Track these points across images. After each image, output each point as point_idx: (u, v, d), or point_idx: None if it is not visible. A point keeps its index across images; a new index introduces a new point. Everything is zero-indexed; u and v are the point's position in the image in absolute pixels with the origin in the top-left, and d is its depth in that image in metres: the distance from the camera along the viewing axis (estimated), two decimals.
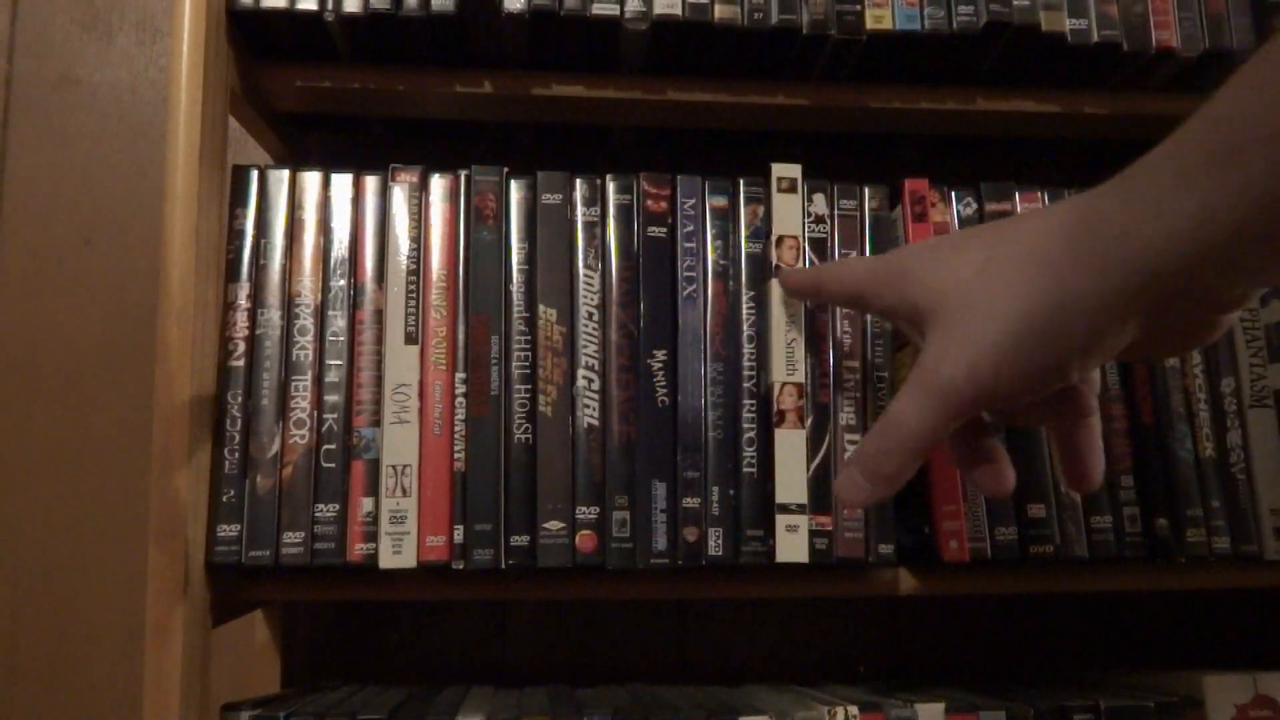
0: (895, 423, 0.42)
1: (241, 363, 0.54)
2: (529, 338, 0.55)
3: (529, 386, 0.55)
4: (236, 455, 0.53)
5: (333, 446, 0.53)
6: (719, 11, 0.57)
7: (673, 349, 0.56)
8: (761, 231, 0.58)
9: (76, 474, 0.74)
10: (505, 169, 0.57)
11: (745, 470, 0.55)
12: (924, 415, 0.41)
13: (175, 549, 0.49)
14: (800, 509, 0.54)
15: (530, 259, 0.56)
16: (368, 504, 0.53)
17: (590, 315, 0.56)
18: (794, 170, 0.58)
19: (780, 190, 0.58)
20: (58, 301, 0.75)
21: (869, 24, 0.58)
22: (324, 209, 0.56)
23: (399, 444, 0.53)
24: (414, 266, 0.56)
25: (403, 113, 0.65)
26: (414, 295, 0.55)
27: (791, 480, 0.54)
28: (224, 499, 0.52)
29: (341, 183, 0.57)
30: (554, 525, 0.53)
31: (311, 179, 0.56)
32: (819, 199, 0.58)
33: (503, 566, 0.53)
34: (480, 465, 0.54)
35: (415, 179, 0.57)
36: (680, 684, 0.69)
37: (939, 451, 0.55)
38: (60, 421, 0.74)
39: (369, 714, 0.51)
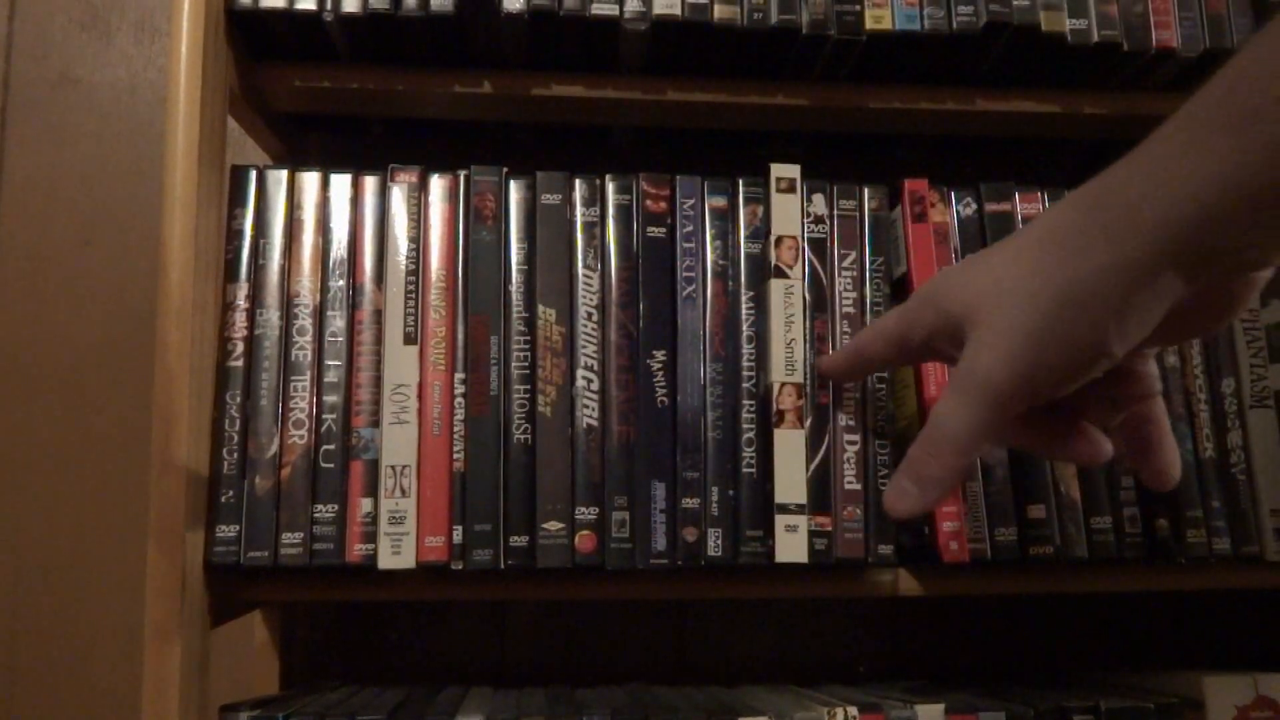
0: (939, 425, 0.42)
1: (240, 363, 0.54)
2: (528, 338, 0.55)
3: (528, 387, 0.55)
4: (235, 455, 0.53)
5: (332, 447, 0.53)
6: (719, 11, 0.57)
7: (672, 349, 0.56)
8: (761, 232, 0.58)
9: (76, 474, 0.74)
10: (505, 169, 0.57)
11: (745, 470, 0.55)
12: (967, 415, 0.41)
13: (174, 549, 0.49)
14: (800, 509, 0.54)
15: (530, 259, 0.56)
16: (367, 504, 0.53)
17: (590, 315, 0.56)
18: (793, 170, 0.58)
19: (779, 190, 0.58)
20: (57, 301, 0.75)
21: (868, 24, 0.58)
22: (323, 209, 0.56)
23: (398, 444, 0.53)
24: (413, 267, 0.56)
25: (402, 113, 0.65)
26: (413, 295, 0.55)
27: (791, 480, 0.54)
28: (223, 499, 0.52)
29: (340, 183, 0.56)
30: (553, 525, 0.53)
31: (310, 179, 0.56)
32: (818, 199, 0.58)
33: (502, 567, 0.53)
34: (479, 465, 0.54)
35: (414, 179, 0.57)
36: (679, 684, 0.69)
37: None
38: (59, 421, 0.74)
39: (368, 714, 0.51)
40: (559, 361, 0.55)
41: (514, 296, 0.56)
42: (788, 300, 0.56)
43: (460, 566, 0.53)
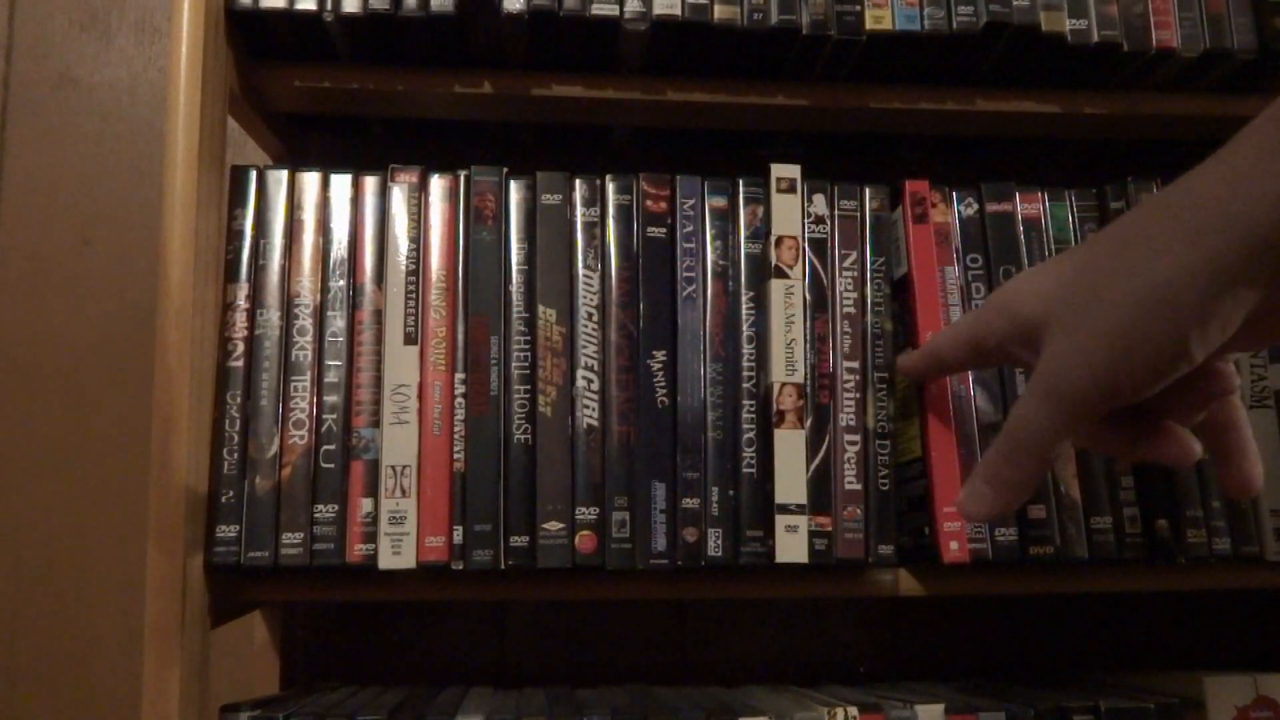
0: (1019, 429, 0.42)
1: (240, 363, 0.54)
2: (528, 338, 0.55)
3: (528, 387, 0.55)
4: (235, 456, 0.53)
5: (332, 447, 0.53)
6: (719, 12, 0.57)
7: (672, 349, 0.56)
8: (761, 232, 0.58)
9: (76, 474, 0.74)
10: (505, 169, 0.57)
11: (745, 471, 0.55)
12: (1046, 419, 0.40)
13: (174, 550, 0.49)
14: (800, 509, 0.54)
15: (530, 259, 0.56)
16: (367, 504, 0.53)
17: (590, 316, 0.56)
18: (793, 170, 0.58)
19: (779, 191, 0.57)
20: (57, 301, 0.75)
21: (869, 24, 0.58)
22: (323, 209, 0.56)
23: (398, 444, 0.53)
24: (413, 267, 0.56)
25: (402, 113, 0.65)
26: (413, 296, 0.55)
27: (791, 481, 0.54)
28: (223, 499, 0.52)
29: (340, 183, 0.56)
30: (553, 526, 0.53)
31: (310, 179, 0.56)
32: (819, 199, 0.58)
33: (502, 567, 0.53)
34: (480, 466, 0.54)
35: (414, 179, 0.57)
36: (679, 684, 0.69)
37: (939, 453, 0.55)
38: (59, 422, 0.74)
39: (368, 715, 0.51)
40: (559, 362, 0.55)
41: (514, 297, 0.56)
42: (788, 300, 0.56)
43: (460, 566, 0.53)
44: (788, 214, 0.57)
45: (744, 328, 0.57)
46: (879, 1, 0.58)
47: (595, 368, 0.55)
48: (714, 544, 0.54)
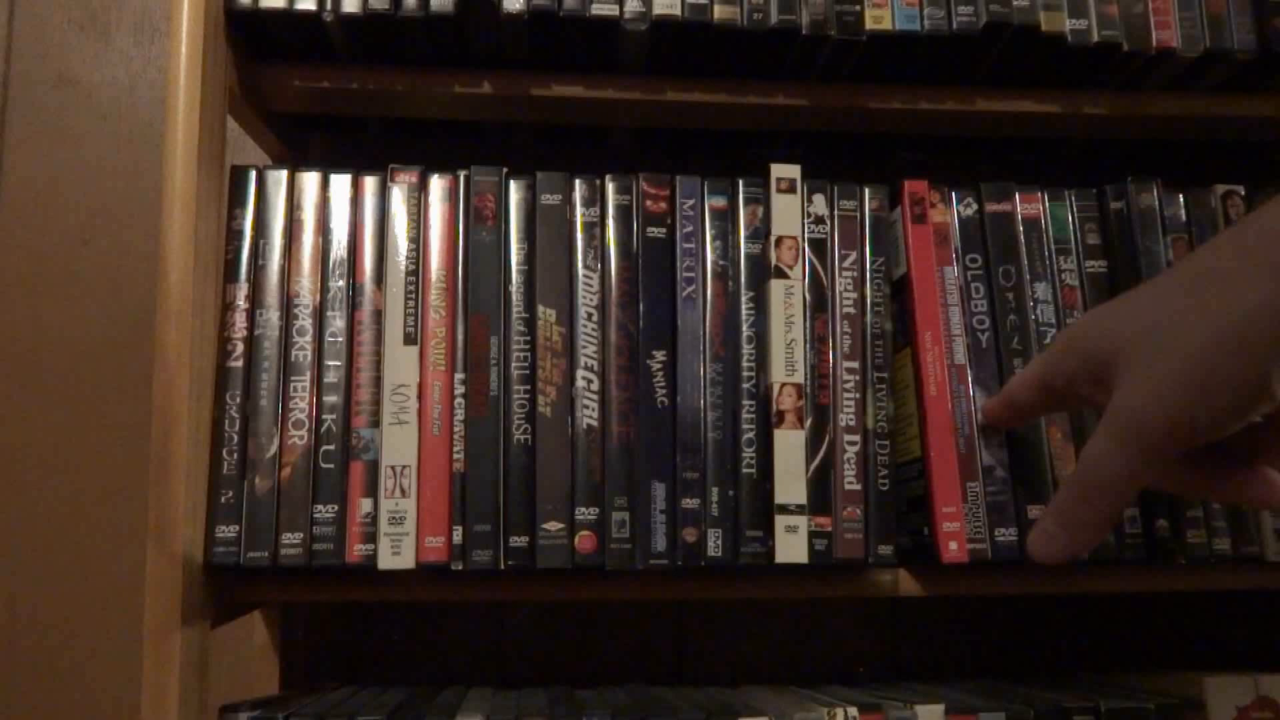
0: (1092, 470, 0.41)
1: (240, 363, 0.54)
2: (528, 338, 0.55)
3: (528, 387, 0.55)
4: (235, 456, 0.53)
5: (331, 447, 0.53)
6: (718, 12, 0.57)
7: (672, 349, 0.56)
8: (761, 232, 0.57)
9: (74, 474, 0.74)
10: (504, 169, 0.57)
11: (744, 471, 0.55)
12: (1120, 460, 0.40)
13: (173, 550, 0.49)
14: (800, 509, 0.54)
15: (529, 259, 0.56)
16: (366, 505, 0.53)
17: (590, 316, 0.56)
18: (793, 171, 0.58)
19: (779, 191, 0.57)
20: (55, 301, 0.75)
21: (868, 24, 0.58)
22: (323, 209, 0.56)
23: (398, 445, 0.53)
24: (413, 267, 0.56)
25: (402, 113, 0.65)
26: (413, 296, 0.55)
27: (791, 481, 0.54)
28: (222, 500, 0.52)
29: (340, 183, 0.56)
30: (553, 526, 0.53)
31: (310, 179, 0.56)
32: (818, 199, 0.58)
33: (502, 567, 0.53)
34: (479, 466, 0.54)
35: (414, 179, 0.57)
36: (679, 685, 0.69)
37: (938, 453, 0.55)
38: (58, 422, 0.74)
39: (368, 715, 0.51)
40: (559, 362, 0.55)
41: (514, 297, 0.56)
42: (788, 301, 0.56)
43: (460, 567, 0.53)
44: (788, 214, 0.57)
45: (744, 328, 0.57)
46: (879, 1, 0.58)
47: (595, 368, 0.55)
48: (714, 544, 0.54)
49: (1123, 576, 0.59)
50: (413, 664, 0.72)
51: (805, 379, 0.55)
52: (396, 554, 0.52)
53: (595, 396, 0.55)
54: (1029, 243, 0.59)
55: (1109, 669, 0.75)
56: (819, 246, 0.58)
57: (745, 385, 0.56)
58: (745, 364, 0.56)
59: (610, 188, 0.57)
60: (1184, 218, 0.60)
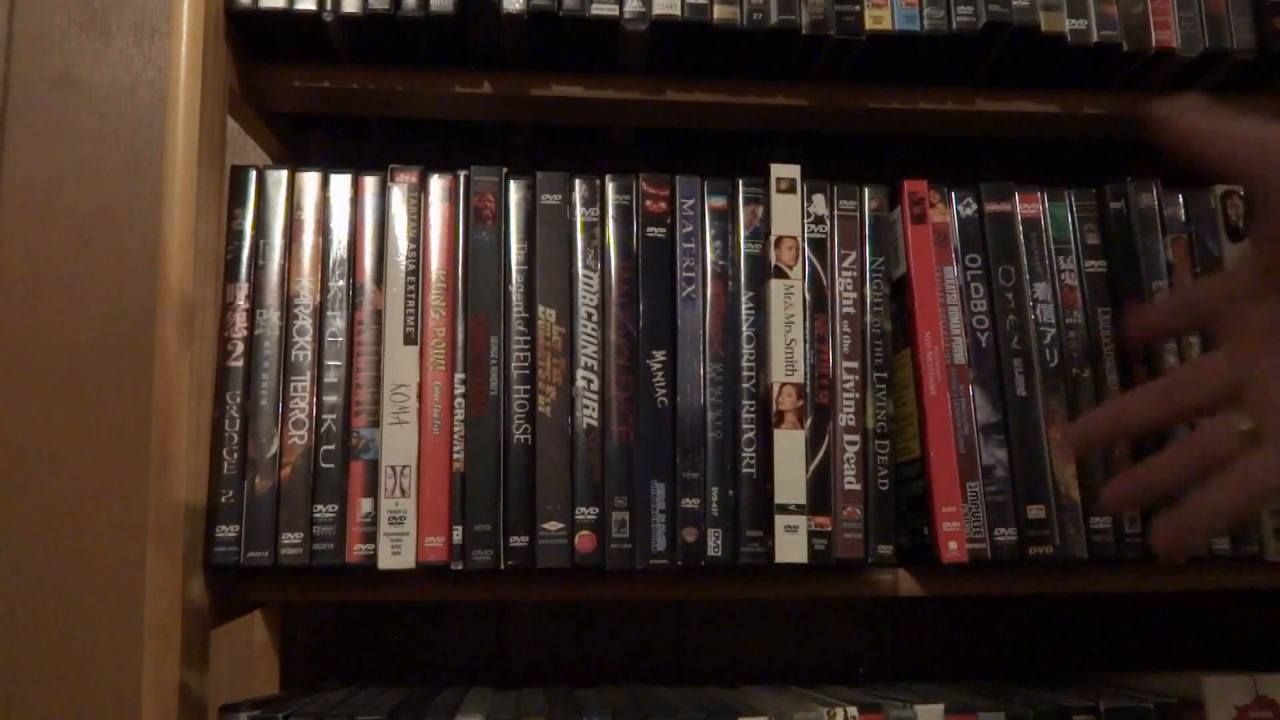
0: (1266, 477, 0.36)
1: (240, 363, 0.54)
2: (528, 338, 0.55)
3: (528, 387, 0.55)
4: (235, 456, 0.53)
5: (332, 447, 0.53)
6: (718, 12, 0.57)
7: (672, 349, 0.56)
8: (761, 232, 0.57)
9: (75, 474, 0.74)
10: (504, 169, 0.57)
11: (744, 471, 0.55)
12: None
13: (174, 550, 0.49)
14: (799, 509, 0.54)
15: (529, 259, 0.56)
16: (367, 504, 0.53)
17: (589, 316, 0.56)
18: (793, 171, 0.58)
19: (779, 191, 0.58)
20: (56, 301, 0.75)
21: (868, 24, 0.58)
22: (323, 209, 0.56)
23: (398, 444, 0.53)
24: (413, 267, 0.56)
25: (402, 113, 0.65)
26: (413, 296, 0.55)
27: (791, 481, 0.54)
28: (222, 499, 0.52)
29: (340, 183, 0.56)
30: (553, 526, 0.53)
31: (310, 179, 0.56)
32: (818, 199, 0.58)
33: (502, 567, 0.53)
34: (479, 466, 0.54)
35: (414, 179, 0.57)
36: (679, 685, 0.69)
37: (938, 453, 0.55)
38: (58, 421, 0.74)
39: (368, 715, 0.51)
40: (559, 362, 0.55)
41: (514, 296, 0.56)
42: (788, 300, 0.56)
43: (460, 567, 0.53)
44: (787, 214, 0.57)
45: (744, 328, 0.57)
46: (878, 1, 0.58)
47: (595, 368, 0.55)
48: (713, 544, 0.54)
49: (1123, 576, 0.59)
50: (413, 664, 0.72)
51: (805, 379, 0.55)
52: (396, 554, 0.52)
53: (595, 396, 0.55)
54: (1028, 243, 0.59)
55: (1109, 669, 0.75)
56: (819, 246, 0.58)
57: (745, 385, 0.56)
58: (745, 364, 0.56)
59: (610, 188, 0.57)
60: (1183, 218, 0.60)
